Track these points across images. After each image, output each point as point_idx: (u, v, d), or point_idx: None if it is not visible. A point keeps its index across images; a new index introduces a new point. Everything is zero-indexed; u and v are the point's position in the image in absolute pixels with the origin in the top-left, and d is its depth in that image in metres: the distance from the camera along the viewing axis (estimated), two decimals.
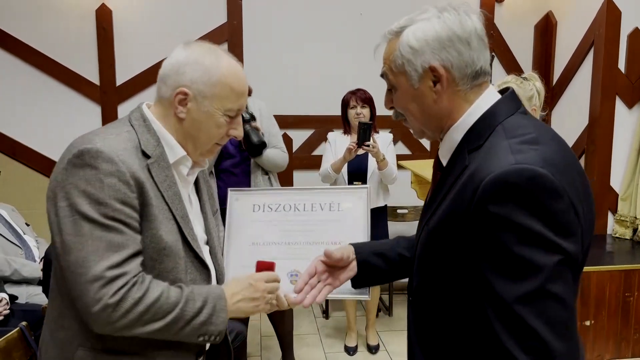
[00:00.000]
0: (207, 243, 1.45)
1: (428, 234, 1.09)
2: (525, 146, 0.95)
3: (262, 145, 2.70)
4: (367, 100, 3.42)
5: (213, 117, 1.29)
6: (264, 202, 1.70)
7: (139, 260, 1.20)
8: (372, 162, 3.40)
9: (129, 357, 1.24)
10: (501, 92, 1.10)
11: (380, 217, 3.46)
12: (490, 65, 3.72)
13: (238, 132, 1.36)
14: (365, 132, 3.13)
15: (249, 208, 1.70)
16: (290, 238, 1.57)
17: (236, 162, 2.90)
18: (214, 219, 1.52)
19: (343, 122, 3.53)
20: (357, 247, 1.43)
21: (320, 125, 4.38)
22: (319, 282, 1.37)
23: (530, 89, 2.00)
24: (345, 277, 1.40)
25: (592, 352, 3.35)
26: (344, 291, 1.44)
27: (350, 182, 3.42)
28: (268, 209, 1.67)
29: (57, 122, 4.09)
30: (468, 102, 1.06)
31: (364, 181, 3.43)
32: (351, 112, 3.44)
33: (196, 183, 1.46)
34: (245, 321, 3.09)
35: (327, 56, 4.28)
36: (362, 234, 1.59)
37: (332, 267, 1.38)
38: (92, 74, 4.11)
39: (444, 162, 1.12)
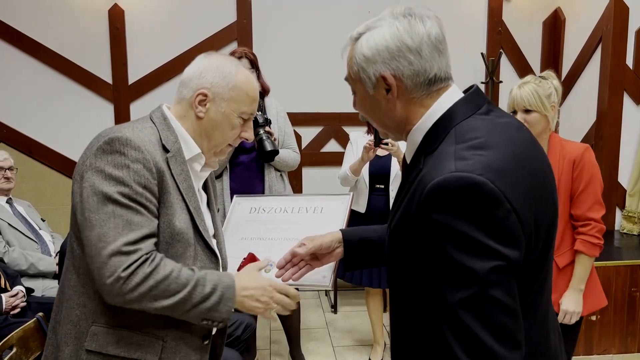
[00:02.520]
0: (214, 236, 1.54)
1: (390, 235, 1.11)
2: (469, 152, 0.95)
3: (275, 152, 2.77)
4: None
5: (229, 118, 1.42)
6: (260, 205, 1.86)
7: (152, 240, 1.30)
8: (395, 164, 3.12)
9: (141, 334, 1.33)
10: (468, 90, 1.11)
11: None
12: (498, 61, 3.71)
13: (249, 135, 1.49)
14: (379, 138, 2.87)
15: (247, 210, 1.86)
16: (272, 234, 1.73)
17: (253, 157, 2.98)
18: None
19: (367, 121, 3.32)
20: (346, 233, 1.52)
21: (329, 123, 4.43)
22: (301, 261, 1.50)
23: (549, 87, 2.14)
24: (327, 261, 1.52)
25: (598, 347, 3.37)
26: (307, 280, 1.55)
27: (372, 185, 3.16)
28: (262, 211, 1.83)
29: (71, 120, 4.18)
30: (424, 107, 1.05)
31: (387, 184, 3.13)
32: None
33: (204, 182, 1.57)
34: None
35: (335, 54, 4.29)
36: None
37: (314, 252, 1.50)
38: (104, 73, 4.19)
39: (408, 162, 1.13)
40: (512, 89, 2.20)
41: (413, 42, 1.01)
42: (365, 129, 3.32)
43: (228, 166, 2.94)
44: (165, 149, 1.35)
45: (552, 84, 2.16)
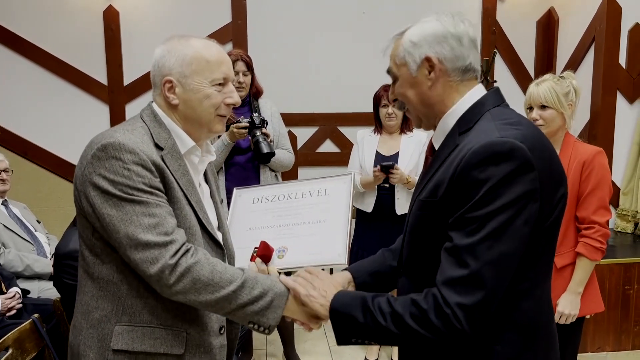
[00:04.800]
0: (219, 229, 1.54)
1: (418, 204, 1.23)
2: (508, 126, 1.12)
3: (271, 154, 2.82)
4: None
5: (200, 91, 1.38)
6: (262, 195, 1.86)
7: (182, 231, 1.31)
8: (401, 163, 3.16)
9: (164, 328, 1.35)
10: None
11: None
12: (493, 61, 3.72)
13: (234, 100, 1.43)
14: (387, 172, 3.03)
15: (249, 201, 1.86)
16: (280, 221, 1.73)
17: (248, 158, 3.01)
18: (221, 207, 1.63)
19: (375, 120, 3.31)
20: (354, 271, 1.51)
21: (325, 123, 4.44)
22: None
23: (567, 85, 2.19)
24: None
25: (592, 344, 3.39)
26: (322, 259, 1.55)
27: (379, 184, 3.18)
28: (265, 200, 1.83)
29: (66, 122, 4.18)
30: (459, 93, 1.23)
31: (392, 185, 3.16)
32: (382, 111, 3.21)
33: (204, 174, 1.57)
34: None
35: (330, 54, 4.33)
36: (344, 212, 1.71)
37: None
38: (100, 75, 4.19)
39: (437, 146, 1.26)
40: (530, 86, 2.26)
41: (456, 31, 1.21)
42: (371, 128, 3.36)
43: (223, 166, 2.98)
44: (159, 147, 1.34)
45: (571, 83, 2.20)
